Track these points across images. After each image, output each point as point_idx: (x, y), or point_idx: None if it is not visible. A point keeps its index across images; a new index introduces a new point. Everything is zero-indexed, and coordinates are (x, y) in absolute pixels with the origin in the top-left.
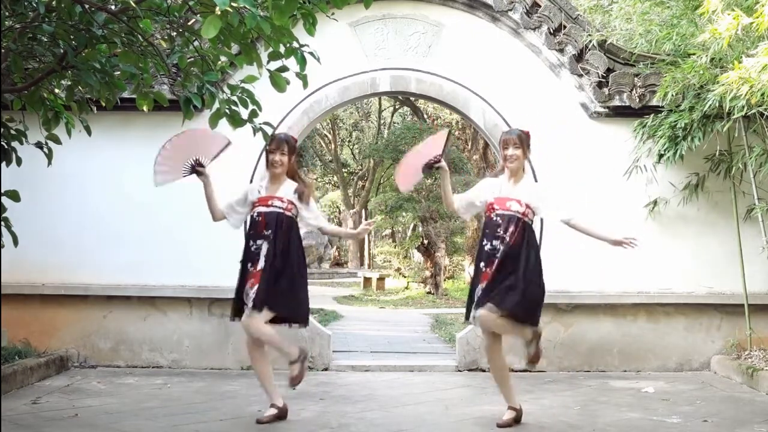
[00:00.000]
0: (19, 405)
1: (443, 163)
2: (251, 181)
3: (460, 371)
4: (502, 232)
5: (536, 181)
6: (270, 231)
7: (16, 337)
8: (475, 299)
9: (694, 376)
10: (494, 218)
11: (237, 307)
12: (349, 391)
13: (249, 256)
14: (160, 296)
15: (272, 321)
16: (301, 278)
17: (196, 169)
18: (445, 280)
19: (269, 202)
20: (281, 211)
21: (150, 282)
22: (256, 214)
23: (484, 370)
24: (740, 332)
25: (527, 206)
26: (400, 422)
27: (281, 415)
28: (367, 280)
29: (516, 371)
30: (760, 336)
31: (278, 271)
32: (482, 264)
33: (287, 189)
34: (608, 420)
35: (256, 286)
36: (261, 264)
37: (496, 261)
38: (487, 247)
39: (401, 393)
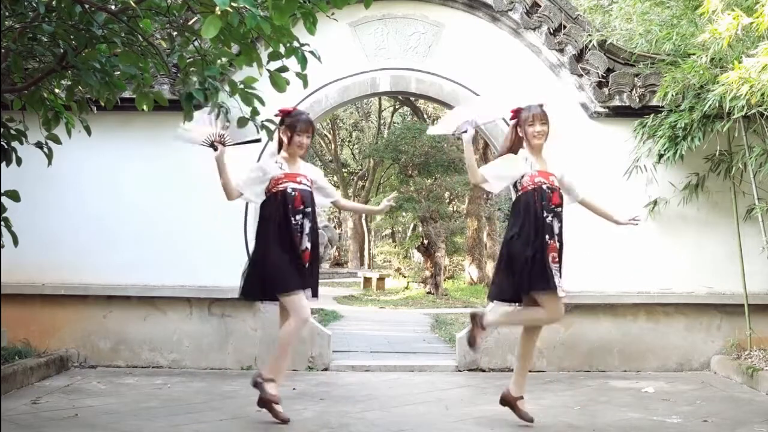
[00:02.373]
0: (19, 405)
1: (469, 134)
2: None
3: (460, 371)
4: (554, 207)
5: None
6: (309, 208)
7: (16, 337)
8: (552, 274)
9: (694, 376)
10: (546, 190)
11: (286, 282)
12: (349, 391)
13: (288, 229)
14: (160, 296)
15: (272, 299)
16: (318, 255)
17: (215, 144)
18: (445, 280)
19: (298, 179)
20: (309, 189)
21: (150, 282)
22: (290, 189)
23: (484, 370)
24: (740, 332)
25: (560, 182)
26: (400, 422)
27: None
28: (367, 280)
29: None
30: (760, 336)
31: (312, 252)
32: (547, 236)
33: (305, 168)
34: (608, 420)
35: (310, 268)
36: (306, 242)
37: (557, 237)
38: (548, 219)
39: (401, 393)
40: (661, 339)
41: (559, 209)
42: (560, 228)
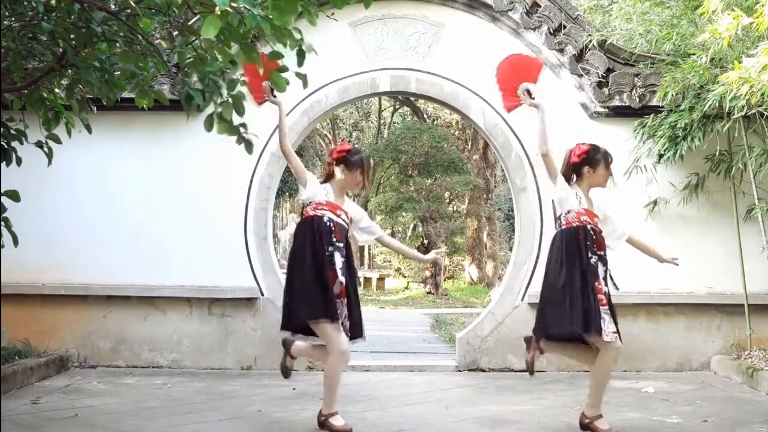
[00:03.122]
0: (19, 405)
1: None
2: (250, 182)
3: (460, 371)
4: (596, 249)
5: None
6: (342, 244)
7: (16, 337)
8: (599, 317)
9: (694, 376)
10: (590, 231)
11: (316, 310)
12: (349, 391)
13: (317, 257)
14: (160, 296)
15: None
16: (357, 295)
17: (270, 98)
18: (445, 280)
19: (337, 213)
20: (347, 227)
21: (150, 282)
22: (326, 218)
23: (484, 370)
24: (740, 332)
25: (603, 223)
26: (400, 422)
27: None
28: (367, 280)
29: (516, 371)
30: (760, 336)
31: (351, 288)
32: (589, 277)
33: (348, 205)
34: (608, 420)
35: (345, 305)
36: (341, 277)
37: (600, 280)
38: (593, 260)
39: (401, 393)
40: (661, 339)
41: (603, 253)
42: (605, 272)
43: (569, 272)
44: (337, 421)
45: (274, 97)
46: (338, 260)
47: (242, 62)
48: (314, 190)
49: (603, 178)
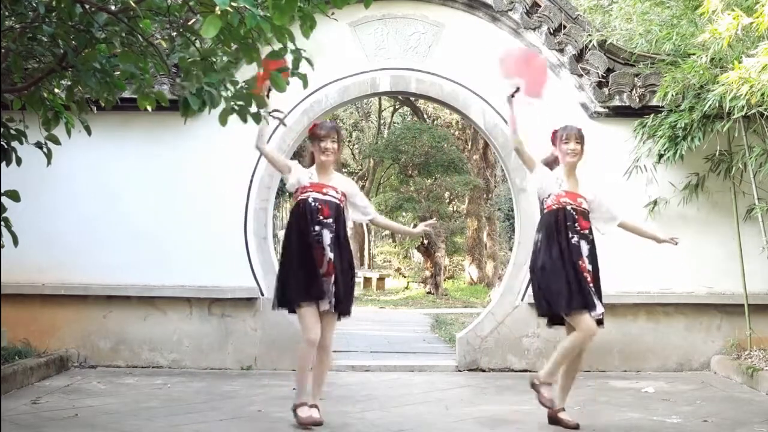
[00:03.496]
0: (19, 405)
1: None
2: (250, 182)
3: (460, 371)
4: (580, 228)
5: None
6: (331, 220)
7: (16, 337)
8: (586, 296)
9: (694, 376)
10: (571, 212)
11: (296, 294)
12: (349, 391)
13: (306, 239)
14: (160, 296)
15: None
16: (351, 270)
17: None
18: (445, 280)
19: (324, 191)
20: (338, 202)
21: (150, 282)
22: (311, 199)
23: (484, 370)
24: (740, 332)
25: (589, 205)
26: (400, 422)
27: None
28: (367, 280)
29: (516, 371)
30: (760, 336)
31: (344, 266)
32: (574, 257)
33: (338, 180)
34: (608, 420)
35: (332, 282)
36: (329, 253)
37: (584, 258)
38: (574, 240)
39: (401, 393)
40: (661, 339)
41: (587, 231)
42: (590, 250)
43: (549, 254)
44: (302, 413)
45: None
46: (326, 237)
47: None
48: (297, 176)
49: (563, 153)
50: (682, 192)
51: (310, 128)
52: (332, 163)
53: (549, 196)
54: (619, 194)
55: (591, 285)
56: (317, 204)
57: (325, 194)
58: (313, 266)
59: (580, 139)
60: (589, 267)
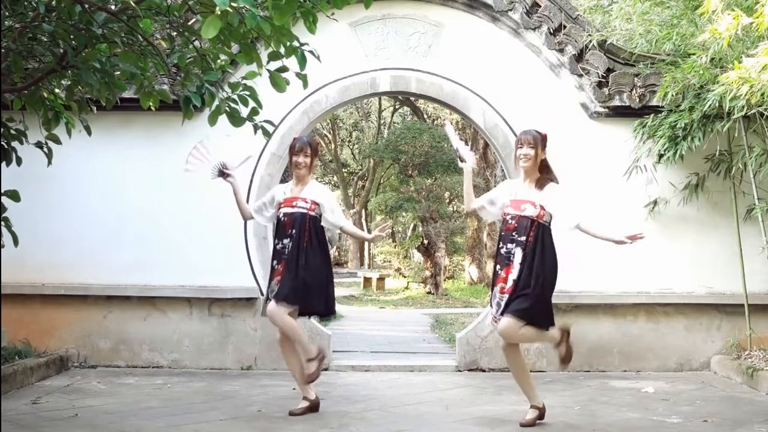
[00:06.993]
0: (19, 405)
1: (467, 162)
2: (250, 182)
3: (460, 371)
4: (516, 236)
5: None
6: (294, 230)
7: (16, 337)
8: (493, 305)
9: (694, 376)
10: (509, 221)
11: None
12: (349, 391)
13: (275, 255)
14: (160, 296)
15: (300, 314)
16: (322, 273)
17: (224, 172)
18: (445, 280)
19: (294, 203)
20: (305, 211)
21: (150, 282)
22: (282, 214)
23: (484, 370)
24: (740, 332)
25: (542, 208)
26: (400, 422)
27: (313, 407)
28: (367, 280)
29: None
30: (760, 336)
31: (300, 267)
32: (498, 267)
33: (310, 190)
34: (608, 420)
35: (278, 280)
36: (285, 261)
37: (514, 266)
38: (503, 250)
39: (401, 393)
40: (661, 339)
41: (523, 239)
42: (525, 257)
43: (494, 264)
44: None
45: (228, 171)
46: (288, 247)
47: None
48: (273, 194)
49: (516, 158)
50: (682, 192)
51: (291, 142)
52: (306, 176)
53: (505, 206)
54: (619, 194)
55: (505, 294)
56: (284, 218)
57: (294, 206)
58: (272, 275)
59: (534, 143)
60: (515, 275)
